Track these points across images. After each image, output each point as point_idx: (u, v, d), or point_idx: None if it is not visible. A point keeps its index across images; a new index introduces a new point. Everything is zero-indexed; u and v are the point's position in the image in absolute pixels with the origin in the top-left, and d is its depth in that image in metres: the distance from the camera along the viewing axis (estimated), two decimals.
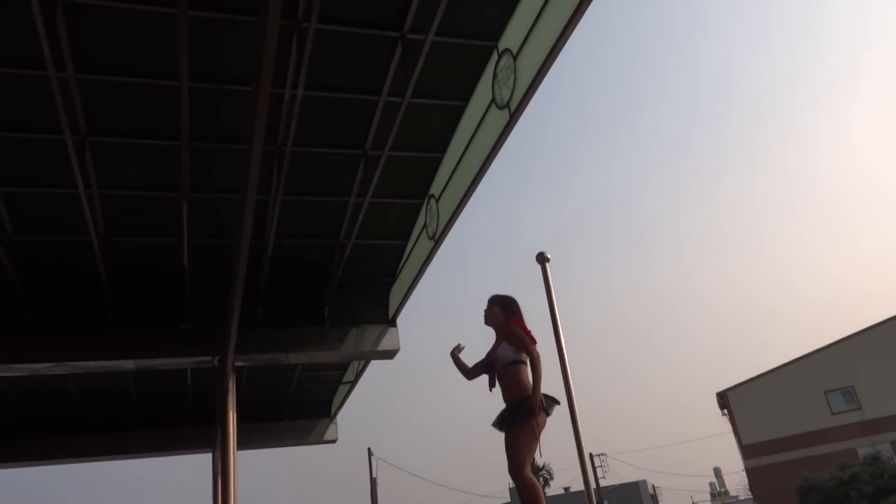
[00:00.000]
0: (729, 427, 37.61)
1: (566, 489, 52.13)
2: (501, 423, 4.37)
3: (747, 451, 36.24)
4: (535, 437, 4.17)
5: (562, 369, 6.07)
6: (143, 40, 6.11)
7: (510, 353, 4.48)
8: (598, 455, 43.83)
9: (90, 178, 7.22)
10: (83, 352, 8.98)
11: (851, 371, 34.83)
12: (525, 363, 4.46)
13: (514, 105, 6.33)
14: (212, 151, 7.44)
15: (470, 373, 4.82)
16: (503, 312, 4.71)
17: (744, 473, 37.12)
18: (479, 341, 4.98)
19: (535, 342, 4.58)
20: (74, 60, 6.00)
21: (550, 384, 5.02)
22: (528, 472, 4.11)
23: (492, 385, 4.59)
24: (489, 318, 4.77)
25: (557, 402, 4.49)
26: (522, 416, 4.20)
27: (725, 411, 38.03)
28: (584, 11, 5.30)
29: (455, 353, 4.89)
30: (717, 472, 52.51)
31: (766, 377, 37.42)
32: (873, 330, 35.39)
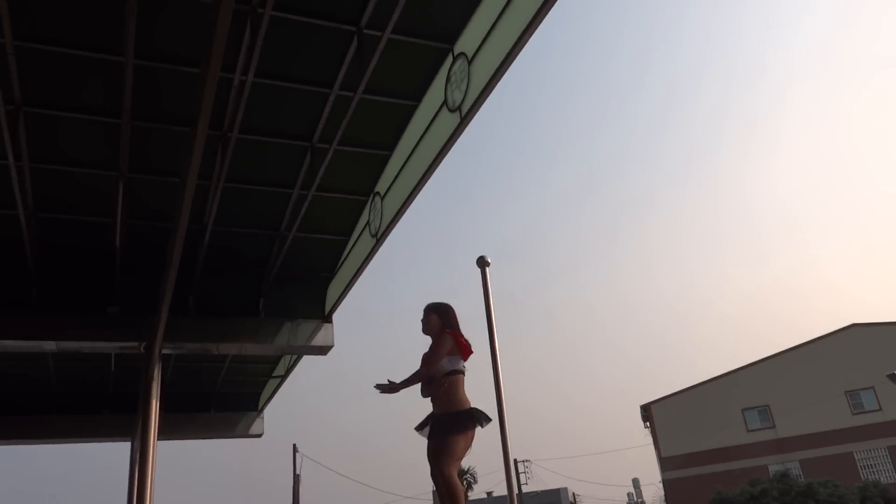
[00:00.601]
0: (650, 439, 38.64)
1: (489, 493, 52.55)
2: (430, 430, 4.34)
3: (666, 463, 37.31)
4: (464, 451, 4.19)
5: (494, 374, 6.12)
6: (90, 13, 5.90)
7: (447, 364, 4.45)
8: (523, 461, 44.37)
9: (22, 150, 6.93)
10: (1, 329, 8.59)
11: (767, 391, 36.32)
12: (462, 373, 4.47)
13: (465, 108, 6.37)
14: (153, 132, 7.23)
15: (420, 381, 4.73)
16: (440, 321, 4.68)
17: (660, 485, 38.20)
18: (418, 344, 4.95)
19: (470, 352, 4.57)
20: (14, 26, 5.74)
21: (482, 389, 5.06)
22: (455, 477, 4.12)
23: (425, 393, 4.54)
24: (426, 327, 4.72)
25: (489, 419, 4.52)
26: (453, 429, 4.20)
27: (648, 424, 39.06)
28: (541, 21, 5.39)
29: (393, 390, 4.61)
30: (635, 482, 53.88)
31: (689, 392, 38.64)
32: (788, 354, 37.04)
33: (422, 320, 4.75)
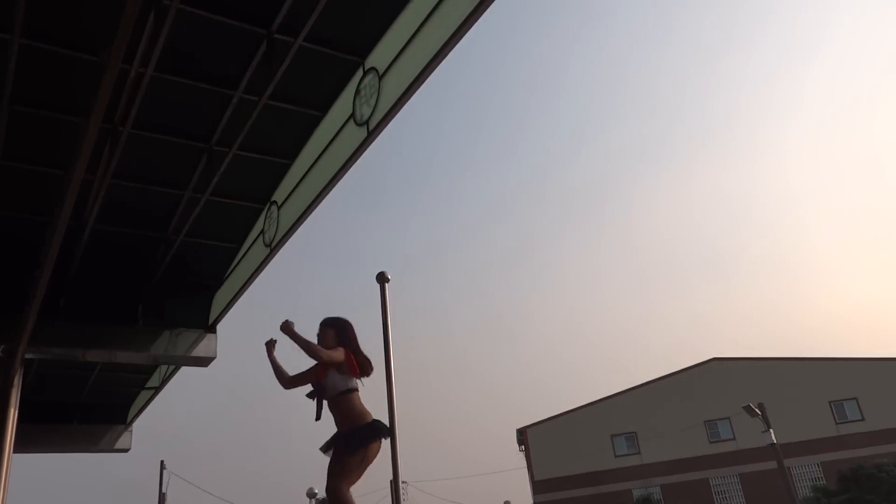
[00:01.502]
0: (525, 462, 39.50)
1: None
2: (335, 448, 4.25)
3: (538, 486, 38.24)
4: (365, 465, 4.13)
5: (388, 391, 6.08)
6: None
7: (341, 382, 4.36)
8: (402, 483, 44.17)
9: None
10: None
11: (635, 418, 38.11)
12: (357, 390, 4.40)
13: (373, 123, 6.35)
14: (36, 118, 6.73)
15: (289, 382, 4.62)
16: (336, 337, 4.58)
17: None
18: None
19: (365, 372, 4.50)
20: None
21: (376, 405, 4.99)
22: (349, 494, 4.06)
23: (319, 415, 4.44)
24: (321, 342, 4.60)
25: (389, 434, 4.50)
26: (356, 444, 4.14)
27: (523, 447, 39.94)
28: (455, 45, 5.46)
29: (270, 351, 4.61)
30: None
31: (563, 417, 39.92)
32: (655, 383, 39.15)
33: (317, 334, 4.63)
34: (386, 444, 5.42)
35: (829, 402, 35.41)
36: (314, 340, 4.51)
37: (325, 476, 4.15)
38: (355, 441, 4.14)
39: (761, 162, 67.85)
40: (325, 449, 4.29)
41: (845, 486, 26.13)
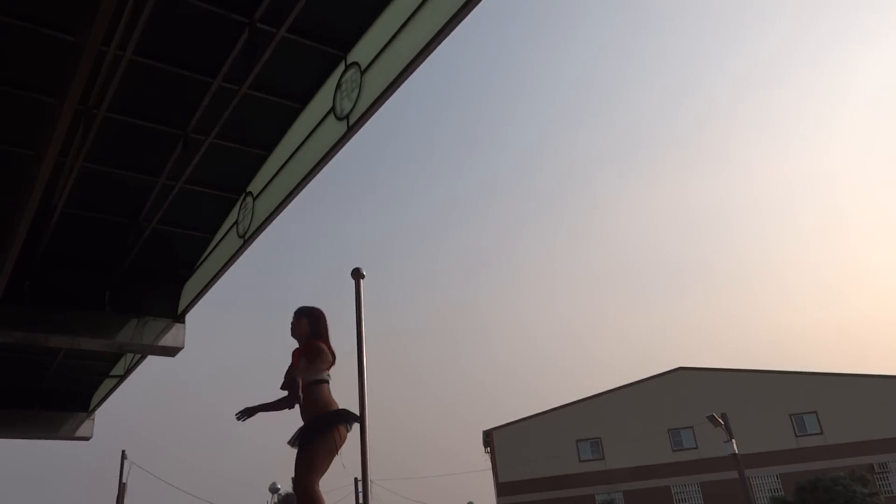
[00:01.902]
0: (490, 464, 39.61)
1: None
2: (299, 439, 4.22)
3: (502, 488, 38.36)
4: (331, 454, 4.07)
5: (359, 391, 6.03)
6: None
7: (310, 374, 4.35)
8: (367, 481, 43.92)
9: None
10: None
11: (600, 424, 38.43)
12: (328, 382, 4.38)
13: (353, 118, 6.32)
14: (7, 97, 6.58)
15: (292, 398, 4.56)
16: (309, 327, 4.59)
17: None
18: (281, 350, 4.78)
19: (330, 363, 4.48)
20: None
21: (348, 402, 4.97)
22: (318, 488, 4.01)
23: (293, 403, 4.40)
24: (295, 330, 4.62)
25: (357, 419, 4.42)
26: (320, 431, 4.10)
27: (489, 449, 40.05)
28: (439, 44, 5.46)
29: (254, 413, 4.43)
30: None
31: (529, 421, 40.10)
32: (621, 390, 39.54)
33: (291, 323, 4.64)
34: (355, 441, 5.40)
35: (790, 415, 36.06)
36: (286, 332, 4.53)
37: (292, 470, 4.11)
38: (318, 428, 4.10)
39: (727, 175, 68.83)
40: (292, 442, 4.25)
41: (802, 497, 26.65)
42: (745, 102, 72.48)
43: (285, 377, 4.56)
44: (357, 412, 4.26)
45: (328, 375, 4.41)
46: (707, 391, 36.71)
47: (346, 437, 4.16)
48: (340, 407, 4.30)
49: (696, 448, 36.65)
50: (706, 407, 31.40)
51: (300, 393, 4.29)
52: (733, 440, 24.65)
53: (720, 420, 25.06)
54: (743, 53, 74.55)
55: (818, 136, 71.16)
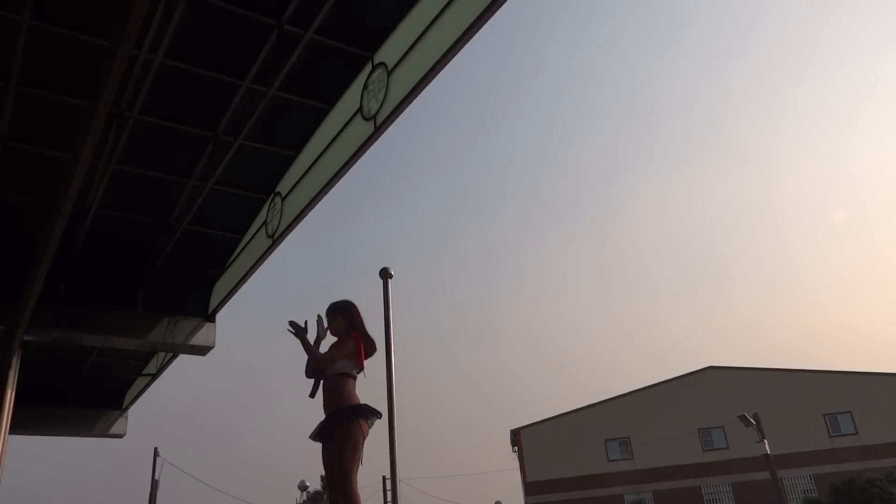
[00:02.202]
0: (518, 463, 39.50)
1: None
2: (320, 434, 4.24)
3: (530, 487, 38.23)
4: (356, 448, 4.06)
5: (388, 389, 6.05)
6: None
7: (339, 365, 4.37)
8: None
9: None
10: None
11: (629, 424, 38.10)
12: (354, 377, 4.39)
13: (380, 118, 6.33)
14: (43, 100, 6.71)
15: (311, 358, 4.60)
16: (345, 322, 4.62)
17: None
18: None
19: (369, 355, 4.53)
20: None
21: (377, 402, 4.99)
22: (354, 486, 3.99)
23: (314, 392, 4.44)
24: (333, 329, 4.65)
25: (379, 415, 4.42)
26: (339, 424, 4.11)
27: (516, 448, 39.94)
28: (465, 43, 5.44)
29: (299, 331, 4.52)
30: None
31: (557, 420, 39.89)
32: (650, 389, 39.12)
33: (327, 321, 4.68)
34: (383, 439, 5.42)
35: (824, 415, 35.41)
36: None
37: (321, 466, 4.12)
38: (340, 419, 4.10)
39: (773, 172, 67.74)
40: (313, 436, 4.27)
41: (837, 499, 26.16)
42: (765, 99, 71.31)
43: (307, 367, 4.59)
44: (383, 409, 4.27)
45: (356, 370, 4.42)
46: (737, 390, 36.19)
47: (367, 433, 4.17)
48: (362, 402, 4.31)
49: (728, 448, 36.16)
50: (737, 406, 30.97)
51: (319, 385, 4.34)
52: (765, 440, 24.29)
53: (752, 420, 24.70)
54: (764, 46, 73.40)
55: (840, 135, 69.76)
